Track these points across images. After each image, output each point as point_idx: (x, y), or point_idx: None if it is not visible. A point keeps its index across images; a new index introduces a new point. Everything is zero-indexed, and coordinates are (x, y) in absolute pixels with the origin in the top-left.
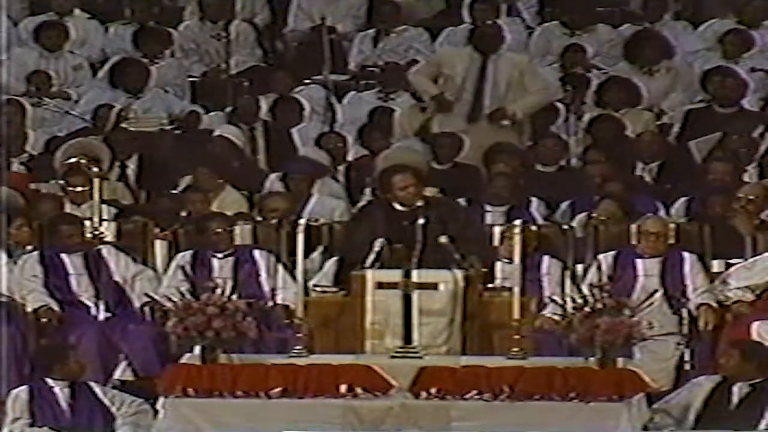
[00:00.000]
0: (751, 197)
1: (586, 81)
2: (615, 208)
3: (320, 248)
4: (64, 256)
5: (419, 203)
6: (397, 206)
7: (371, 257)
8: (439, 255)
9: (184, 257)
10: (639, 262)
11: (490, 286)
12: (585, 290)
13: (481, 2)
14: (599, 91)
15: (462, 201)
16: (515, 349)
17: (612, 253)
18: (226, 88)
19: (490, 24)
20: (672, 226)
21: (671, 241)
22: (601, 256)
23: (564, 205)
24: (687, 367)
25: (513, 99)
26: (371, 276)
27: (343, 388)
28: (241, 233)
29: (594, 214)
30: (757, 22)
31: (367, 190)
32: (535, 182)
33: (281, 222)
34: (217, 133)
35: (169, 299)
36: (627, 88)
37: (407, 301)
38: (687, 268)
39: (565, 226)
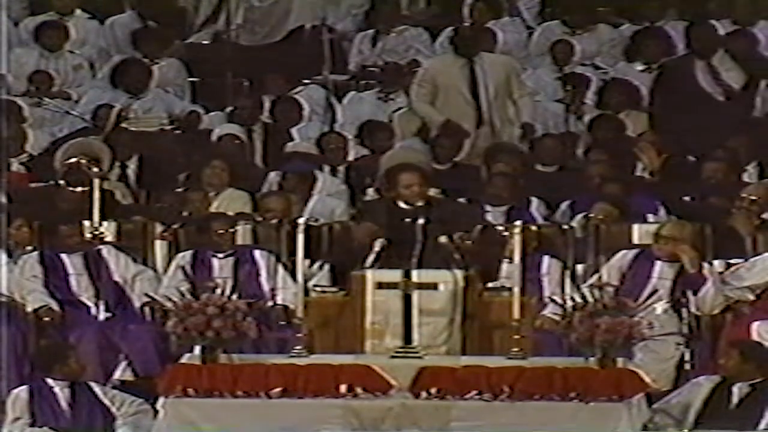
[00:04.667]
0: (754, 197)
1: (586, 81)
2: (611, 208)
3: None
4: (64, 256)
5: (422, 202)
6: (401, 204)
7: (371, 257)
8: (439, 255)
9: (184, 257)
10: (657, 264)
11: (490, 286)
12: (585, 290)
13: (481, 2)
14: (601, 92)
15: (462, 201)
16: (515, 349)
17: (634, 251)
18: (226, 88)
19: (469, 26)
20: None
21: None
22: (620, 253)
23: (564, 205)
24: (687, 367)
25: (502, 104)
26: (371, 276)
27: (343, 388)
28: (242, 233)
29: (591, 215)
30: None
31: (369, 190)
32: (535, 182)
33: (281, 222)
34: (218, 131)
35: (169, 299)
36: (628, 89)
37: (407, 301)
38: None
39: (565, 226)
